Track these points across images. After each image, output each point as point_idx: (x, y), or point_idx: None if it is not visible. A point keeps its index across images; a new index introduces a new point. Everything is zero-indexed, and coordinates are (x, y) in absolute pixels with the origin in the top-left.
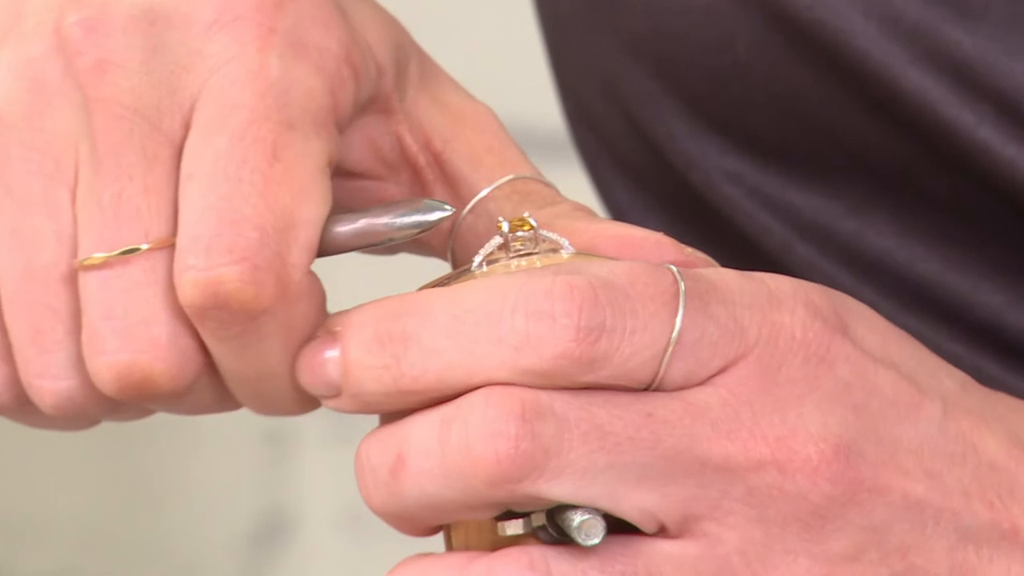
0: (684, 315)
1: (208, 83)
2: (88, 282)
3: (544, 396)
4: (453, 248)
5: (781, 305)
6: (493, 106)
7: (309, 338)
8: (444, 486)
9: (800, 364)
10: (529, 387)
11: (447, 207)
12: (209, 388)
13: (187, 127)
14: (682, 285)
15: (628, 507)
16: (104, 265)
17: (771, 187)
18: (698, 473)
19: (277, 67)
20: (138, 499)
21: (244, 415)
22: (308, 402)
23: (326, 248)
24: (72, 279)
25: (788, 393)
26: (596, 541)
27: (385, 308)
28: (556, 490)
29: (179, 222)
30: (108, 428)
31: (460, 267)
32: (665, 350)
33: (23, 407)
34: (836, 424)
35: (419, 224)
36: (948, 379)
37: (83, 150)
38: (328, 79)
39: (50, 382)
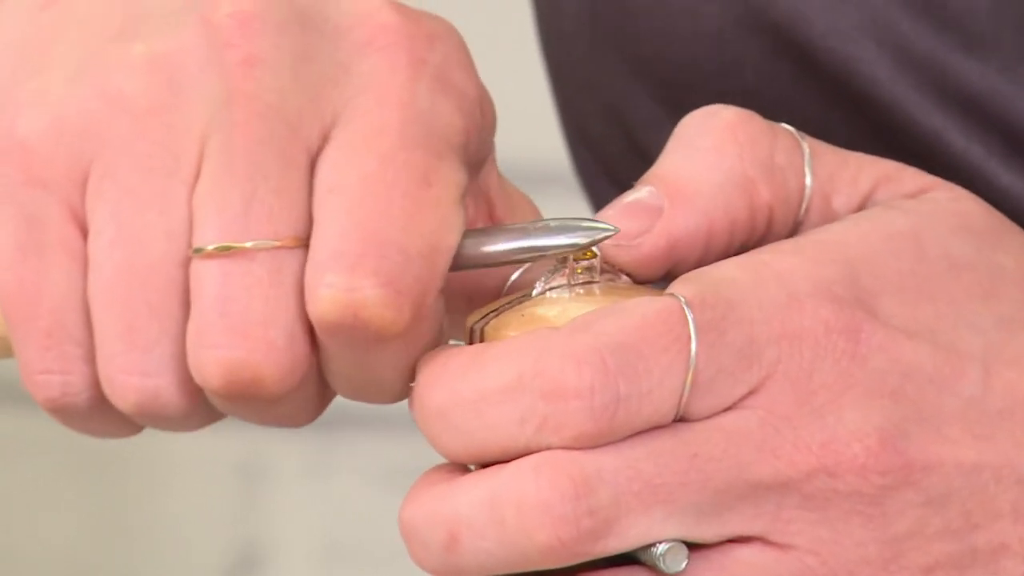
0: (697, 357)
1: (354, 100)
2: (206, 272)
3: (590, 462)
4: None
5: (802, 308)
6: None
7: (425, 349)
8: (504, 562)
9: (831, 367)
10: (572, 450)
11: (609, 227)
12: (307, 395)
13: (324, 139)
14: (692, 324)
15: (691, 537)
16: (228, 255)
17: None
18: (751, 495)
19: (425, 98)
20: (110, 532)
21: (216, 448)
22: (404, 395)
23: (464, 263)
24: (178, 277)
25: (824, 398)
26: (682, 567)
27: (423, 379)
28: (620, 547)
29: (316, 234)
30: (80, 460)
31: (520, 292)
32: (682, 396)
33: (93, 411)
34: (876, 416)
35: (575, 246)
36: (991, 324)
37: (212, 145)
38: (465, 119)
39: (137, 378)
